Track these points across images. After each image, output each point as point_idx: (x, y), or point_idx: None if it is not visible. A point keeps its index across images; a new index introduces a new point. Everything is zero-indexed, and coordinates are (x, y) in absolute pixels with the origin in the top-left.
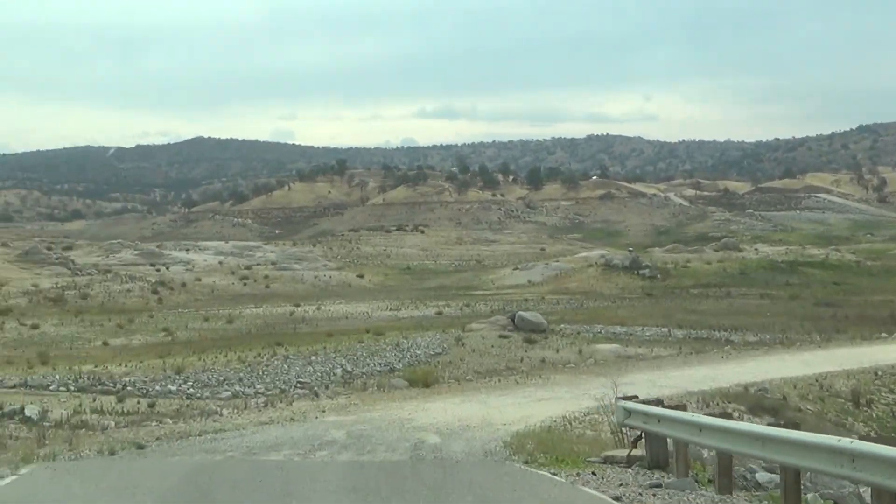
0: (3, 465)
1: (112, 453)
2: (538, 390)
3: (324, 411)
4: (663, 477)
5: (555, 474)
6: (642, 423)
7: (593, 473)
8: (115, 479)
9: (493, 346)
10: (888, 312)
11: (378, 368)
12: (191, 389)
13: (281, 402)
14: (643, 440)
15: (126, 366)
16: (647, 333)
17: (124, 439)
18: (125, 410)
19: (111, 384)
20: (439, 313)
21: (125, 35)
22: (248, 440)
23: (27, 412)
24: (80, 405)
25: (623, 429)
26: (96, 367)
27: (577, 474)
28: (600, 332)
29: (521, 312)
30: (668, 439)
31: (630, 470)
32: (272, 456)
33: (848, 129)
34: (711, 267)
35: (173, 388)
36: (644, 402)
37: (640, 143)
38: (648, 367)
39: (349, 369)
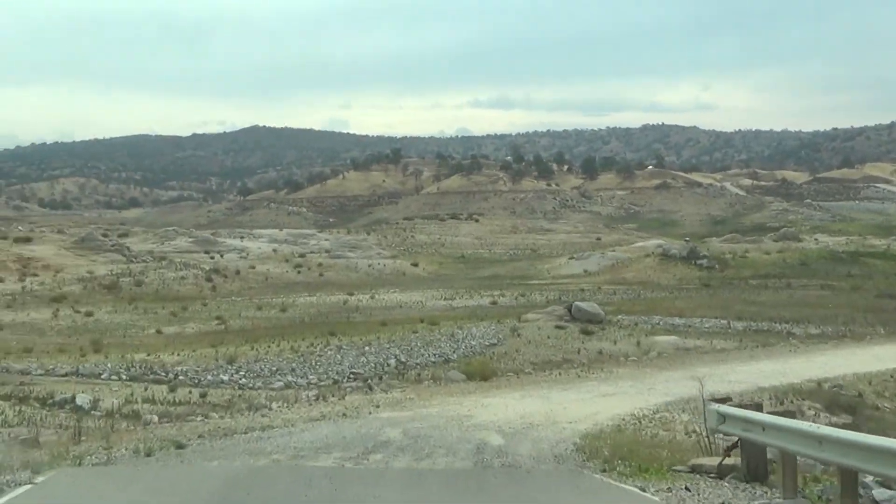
0: (28, 468)
1: (148, 454)
2: (601, 385)
3: (378, 406)
4: (767, 493)
5: (643, 489)
6: (741, 430)
7: (687, 489)
8: (140, 491)
9: (549, 337)
10: None
11: (432, 359)
12: (243, 379)
13: (333, 395)
14: (737, 448)
15: (178, 355)
16: (706, 325)
17: (165, 437)
18: (177, 400)
19: (163, 373)
20: (494, 303)
21: (183, 25)
22: (297, 439)
23: (78, 401)
24: (132, 394)
25: (714, 435)
26: (149, 355)
27: (669, 489)
28: (658, 324)
29: (577, 303)
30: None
31: (725, 483)
32: (321, 460)
33: None
34: (770, 257)
35: (225, 377)
36: (741, 405)
37: (696, 133)
38: (713, 360)
39: (403, 360)
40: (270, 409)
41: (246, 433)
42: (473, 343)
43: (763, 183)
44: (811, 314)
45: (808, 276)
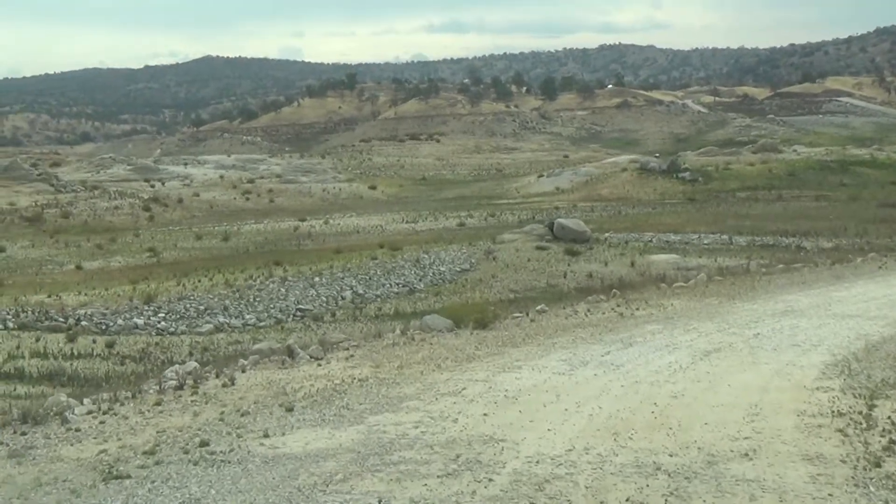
0: None
1: None
2: (675, 332)
3: (291, 409)
4: None
5: None
6: None
7: None
8: None
9: (529, 260)
10: None
11: (395, 290)
12: (162, 323)
13: (217, 377)
14: None
15: (86, 294)
16: (705, 241)
17: None
18: (76, 353)
19: (63, 319)
20: (461, 224)
21: None
22: None
23: None
24: (18, 347)
25: None
26: (49, 296)
27: None
28: (651, 241)
29: (560, 219)
30: None
31: None
32: None
33: (865, 32)
34: (755, 168)
35: (140, 321)
36: None
37: (653, 52)
38: (787, 282)
39: (360, 292)
40: (67, 422)
41: None
42: (442, 269)
43: (724, 99)
44: (815, 226)
45: (798, 187)
